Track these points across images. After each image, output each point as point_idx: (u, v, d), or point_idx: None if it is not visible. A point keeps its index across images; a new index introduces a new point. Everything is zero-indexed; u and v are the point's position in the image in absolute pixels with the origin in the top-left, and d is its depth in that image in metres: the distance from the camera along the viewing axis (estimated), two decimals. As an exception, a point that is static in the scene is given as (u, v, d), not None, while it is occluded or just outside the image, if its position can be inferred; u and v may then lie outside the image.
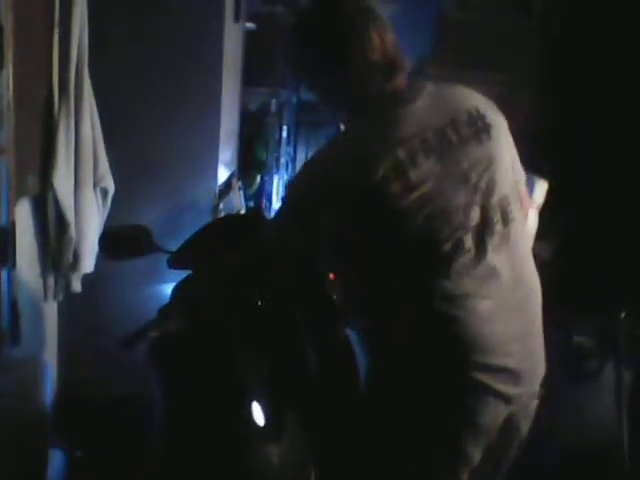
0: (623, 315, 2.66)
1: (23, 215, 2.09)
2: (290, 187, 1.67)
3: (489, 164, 1.54)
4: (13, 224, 1.93)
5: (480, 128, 1.56)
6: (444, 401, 1.55)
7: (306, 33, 1.63)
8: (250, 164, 4.03)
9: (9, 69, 1.80)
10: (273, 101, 4.25)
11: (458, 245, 1.49)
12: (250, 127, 4.06)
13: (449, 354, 1.52)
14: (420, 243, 1.49)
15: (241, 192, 3.58)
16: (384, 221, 1.50)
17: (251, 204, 3.86)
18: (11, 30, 1.78)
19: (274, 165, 4.37)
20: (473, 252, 1.50)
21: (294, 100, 4.70)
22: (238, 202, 3.47)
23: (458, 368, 1.52)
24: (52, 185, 2.15)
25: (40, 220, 2.25)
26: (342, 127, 1.71)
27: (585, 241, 2.84)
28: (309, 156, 1.78)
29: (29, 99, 2.00)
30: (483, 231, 1.51)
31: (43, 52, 2.06)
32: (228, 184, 3.36)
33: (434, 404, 1.55)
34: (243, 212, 3.46)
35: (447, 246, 1.48)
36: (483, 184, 1.52)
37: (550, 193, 2.76)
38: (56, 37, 2.07)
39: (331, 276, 2.00)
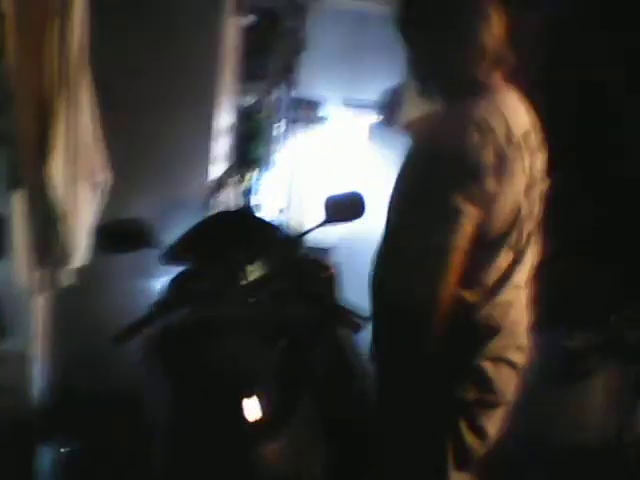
0: (623, 314, 2.68)
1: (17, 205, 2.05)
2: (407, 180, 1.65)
3: (542, 175, 1.70)
4: (9, 215, 1.90)
5: (541, 141, 1.70)
6: (465, 377, 1.62)
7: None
8: (244, 160, 3.99)
9: (10, 57, 1.77)
10: (268, 97, 4.21)
11: (520, 237, 1.64)
12: (244, 122, 4.02)
13: (487, 337, 1.62)
14: (495, 232, 1.59)
15: (234, 188, 3.55)
16: (473, 210, 1.53)
17: (244, 200, 3.82)
18: (12, 18, 1.75)
19: (268, 161, 4.33)
20: (523, 243, 1.66)
21: (289, 96, 4.67)
22: (231, 198, 3.44)
23: (492, 349, 1.63)
24: (48, 176, 2.11)
25: (33, 211, 2.21)
26: (440, 108, 1.73)
27: (584, 237, 2.83)
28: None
29: (28, 88, 1.96)
30: (530, 227, 1.68)
31: (43, 41, 2.01)
32: (221, 180, 3.33)
33: (452, 382, 1.63)
34: (236, 208, 3.43)
35: (513, 237, 1.62)
36: (537, 192, 1.69)
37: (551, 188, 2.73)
38: (56, 26, 2.03)
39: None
